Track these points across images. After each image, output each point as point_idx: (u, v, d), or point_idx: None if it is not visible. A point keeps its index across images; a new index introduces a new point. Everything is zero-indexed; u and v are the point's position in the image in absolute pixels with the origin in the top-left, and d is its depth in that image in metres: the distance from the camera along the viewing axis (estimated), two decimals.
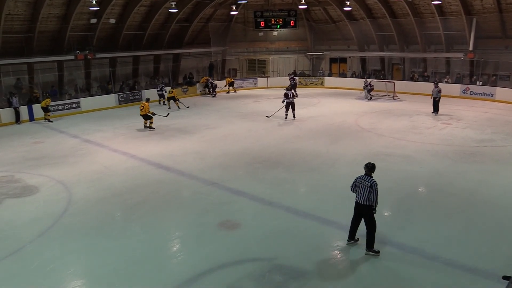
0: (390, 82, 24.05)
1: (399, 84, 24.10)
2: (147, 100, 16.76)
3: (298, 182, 10.37)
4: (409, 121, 17.04)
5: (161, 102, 22.59)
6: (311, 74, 30.25)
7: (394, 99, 22.80)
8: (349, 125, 16.47)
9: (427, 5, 22.73)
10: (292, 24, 29.10)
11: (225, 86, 26.76)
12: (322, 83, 28.59)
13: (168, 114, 17.94)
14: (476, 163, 11.44)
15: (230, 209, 8.76)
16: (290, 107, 17.63)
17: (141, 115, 16.40)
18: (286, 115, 17.80)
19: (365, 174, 6.86)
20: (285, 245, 7.16)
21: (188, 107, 21.38)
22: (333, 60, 30.43)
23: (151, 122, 16.43)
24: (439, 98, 18.34)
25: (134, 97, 22.99)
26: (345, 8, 25.35)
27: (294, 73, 25.36)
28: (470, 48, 22.46)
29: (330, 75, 29.76)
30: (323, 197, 9.28)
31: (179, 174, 10.99)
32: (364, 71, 28.54)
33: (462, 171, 10.80)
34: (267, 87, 28.06)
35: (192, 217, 8.45)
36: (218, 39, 28.17)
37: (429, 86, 23.66)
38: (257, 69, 30.70)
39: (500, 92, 21.33)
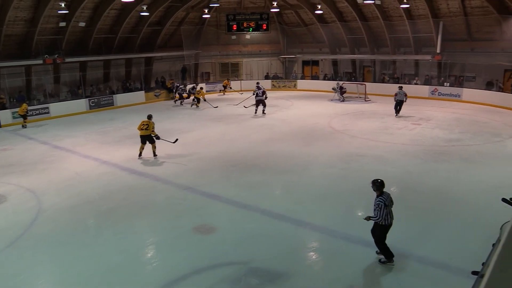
0: (362, 84, 24.49)
1: (370, 86, 24.56)
2: (150, 117, 12.73)
3: (273, 184, 10.42)
4: (381, 122, 17.37)
5: (176, 101, 23.40)
6: (284, 77, 30.48)
7: (365, 101, 23.20)
8: (322, 127, 16.66)
9: (396, 8, 23.26)
10: (264, 27, 29.25)
11: (224, 89, 27.07)
12: (295, 85, 28.84)
13: (177, 139, 13.74)
14: (445, 162, 11.75)
15: (205, 213, 8.72)
16: (260, 104, 19.30)
17: (142, 135, 12.52)
18: (256, 110, 19.56)
19: (381, 193, 6.49)
20: (261, 247, 7.18)
21: (216, 107, 22.02)
22: (305, 63, 30.75)
23: (155, 147, 12.80)
24: (400, 101, 18.43)
25: (106, 102, 22.61)
26: (316, 12, 25.69)
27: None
28: (438, 51, 23.12)
29: (302, 77, 30.05)
30: (298, 199, 9.35)
31: (153, 179, 10.87)
32: (336, 74, 28.94)
33: (432, 170, 11.09)
34: (241, 91, 28.09)
35: (166, 222, 8.37)
36: (190, 42, 28.03)
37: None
38: (230, 72, 30.71)
39: (467, 92, 22.02)
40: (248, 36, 30.10)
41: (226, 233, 7.79)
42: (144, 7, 21.71)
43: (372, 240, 6.65)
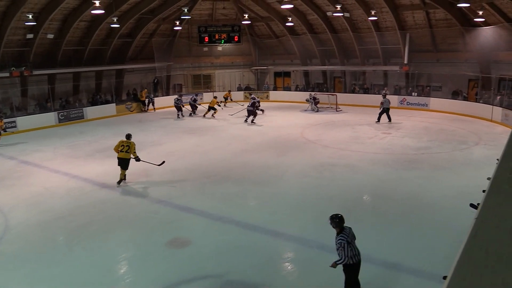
0: (333, 94, 24.87)
1: (341, 96, 24.95)
2: (130, 137, 11.26)
3: (248, 195, 10.38)
4: (352, 132, 17.64)
5: (179, 115, 22.64)
6: (257, 88, 30.63)
7: (336, 111, 23.55)
8: (296, 137, 16.78)
9: (364, 21, 23.82)
10: (236, 39, 29.40)
11: (222, 102, 26.16)
12: (267, 97, 29.01)
13: (163, 162, 12.04)
14: (415, 170, 12.00)
15: (179, 226, 8.58)
16: (250, 114, 20.21)
17: (120, 158, 11.01)
18: (246, 119, 20.44)
19: (342, 230, 5.75)
20: (237, 259, 7.11)
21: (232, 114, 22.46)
22: (277, 74, 31.03)
23: (121, 176, 11.19)
24: (387, 108, 19.27)
25: (75, 115, 22.12)
26: (287, 24, 26.03)
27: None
28: (405, 61, 23.77)
29: (275, 88, 30.30)
30: (273, 209, 9.33)
31: (125, 193, 10.65)
32: (307, 85, 29.30)
33: (402, 178, 11.29)
34: (217, 103, 27.97)
35: (139, 237, 8.19)
36: (162, 54, 27.87)
37: (369, 98, 24.82)
38: (202, 84, 30.65)
39: (434, 102, 22.68)
40: (220, 48, 30.19)
41: (201, 246, 7.68)
42: (115, 19, 21.47)
43: None
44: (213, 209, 9.35)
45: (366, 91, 26.13)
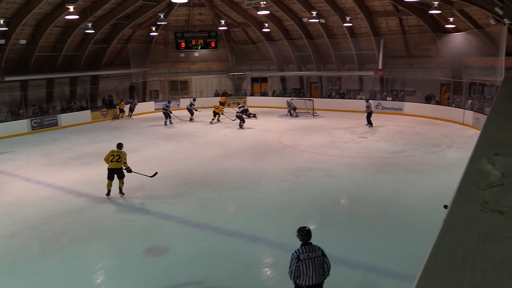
0: (309, 100, 25.10)
1: (318, 102, 25.21)
2: (121, 146, 10.77)
3: (226, 201, 10.36)
4: (329, 136, 17.84)
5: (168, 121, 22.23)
6: (234, 94, 30.66)
7: (313, 116, 23.77)
8: (273, 143, 16.85)
9: (340, 27, 24.17)
10: (212, 45, 29.38)
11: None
12: (245, 102, 29.04)
13: (156, 173, 11.56)
14: (390, 173, 12.22)
15: (157, 234, 8.49)
16: (237, 118, 20.53)
17: (110, 169, 10.39)
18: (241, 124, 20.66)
19: (303, 245, 5.15)
20: (215, 266, 7.08)
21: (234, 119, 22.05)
22: (254, 80, 31.14)
23: (122, 183, 10.59)
24: (370, 113, 19.82)
25: (49, 122, 21.67)
26: (263, 30, 26.21)
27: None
28: (380, 67, 24.22)
29: (252, 94, 30.39)
30: (251, 215, 9.34)
31: (101, 201, 10.48)
32: (284, 90, 29.50)
33: (378, 181, 11.47)
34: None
35: (117, 245, 8.06)
36: (138, 60, 27.61)
37: (345, 103, 25.18)
38: (179, 90, 30.49)
39: (408, 106, 23.16)
40: (196, 54, 30.12)
41: (179, 253, 7.62)
42: (89, 25, 21.19)
43: (326, 251, 6.72)
44: (191, 216, 9.29)
45: (342, 96, 26.50)
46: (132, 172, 10.60)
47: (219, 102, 24.73)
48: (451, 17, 19.27)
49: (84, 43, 23.93)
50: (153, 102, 27.64)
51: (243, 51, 30.16)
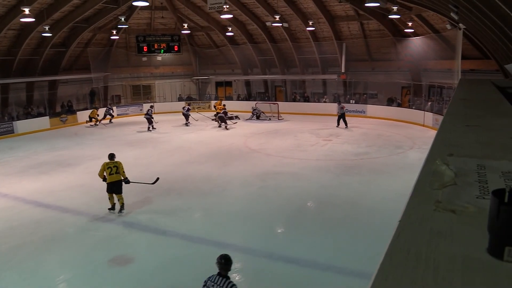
0: (274, 103, 25.28)
1: (283, 105, 25.46)
2: (113, 156, 10.09)
3: (192, 208, 10.28)
4: (294, 140, 18.04)
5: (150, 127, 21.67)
6: (198, 98, 30.51)
7: (279, 119, 23.96)
8: (239, 147, 16.88)
9: (303, 31, 24.54)
10: (176, 49, 29.19)
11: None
12: (209, 107, 28.96)
13: (158, 179, 10.82)
14: (355, 175, 12.49)
15: (122, 243, 8.32)
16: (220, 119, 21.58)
17: (111, 182, 9.73)
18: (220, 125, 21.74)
19: (218, 274, 4.68)
20: (182, 273, 7.01)
21: (236, 122, 22.89)
22: (219, 84, 31.12)
23: (121, 201, 9.86)
24: (342, 114, 20.34)
25: (4, 129, 20.84)
26: (227, 34, 26.25)
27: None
28: (343, 70, 24.75)
29: (216, 98, 30.29)
30: (218, 221, 9.31)
31: (62, 211, 10.16)
32: (249, 94, 29.61)
33: (344, 183, 11.71)
34: (154, 113, 27.52)
35: (79, 256, 7.84)
36: (98, 64, 27.04)
37: (309, 106, 25.54)
38: (142, 94, 30.05)
39: (371, 109, 23.75)
40: (159, 58, 29.81)
41: (145, 262, 7.50)
42: (46, 28, 20.56)
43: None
44: (157, 223, 9.17)
45: (306, 99, 26.86)
46: (131, 182, 10.08)
47: (214, 106, 24.86)
48: (409, 21, 19.98)
49: (41, 47, 23.19)
50: (114, 107, 27.07)
51: (206, 55, 30.11)
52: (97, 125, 23.59)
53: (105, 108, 25.02)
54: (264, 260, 7.43)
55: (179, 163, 14.57)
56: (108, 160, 9.99)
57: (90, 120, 23.79)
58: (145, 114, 22.00)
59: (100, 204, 10.54)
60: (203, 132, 20.77)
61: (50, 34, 21.41)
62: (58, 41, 23.75)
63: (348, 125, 20.42)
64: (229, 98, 29.90)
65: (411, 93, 23.13)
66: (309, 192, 11.09)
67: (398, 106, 23.29)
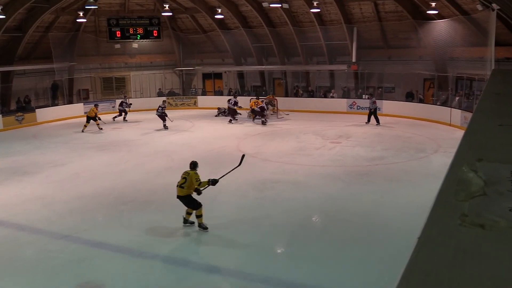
0: (273, 99, 25.28)
1: (283, 101, 25.49)
2: (195, 165, 10.14)
3: (174, 223, 10.23)
4: (297, 142, 18.06)
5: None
6: (182, 93, 30.52)
7: (278, 118, 23.98)
8: (231, 151, 16.87)
9: (306, 13, 24.61)
10: (155, 34, 29.20)
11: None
12: (195, 103, 28.98)
13: (243, 156, 11.02)
14: (368, 184, 12.52)
15: (90, 266, 8.29)
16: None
17: (177, 196, 9.69)
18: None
19: None
20: None
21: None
22: (206, 76, 31.16)
23: (199, 214, 9.67)
24: (374, 109, 20.67)
25: None
26: (216, 16, 26.27)
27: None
28: (353, 60, 24.79)
29: (204, 93, 30.36)
30: (206, 239, 9.30)
31: (18, 229, 10.11)
32: (242, 88, 29.66)
33: (355, 193, 11.73)
34: (129, 110, 27.51)
35: (40, 282, 7.80)
36: (62, 52, 26.96)
37: (314, 102, 25.59)
38: (114, 89, 30.01)
39: (387, 105, 23.78)
40: (135, 45, 29.78)
41: None
42: None
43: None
44: (132, 243, 9.13)
45: (311, 94, 26.92)
46: (218, 181, 9.96)
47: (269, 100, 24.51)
48: (433, 1, 20.02)
49: None
50: (82, 104, 27.02)
51: (192, 41, 30.13)
52: (102, 129, 21.89)
53: (120, 101, 24.57)
54: (261, 286, 7.42)
55: (159, 169, 14.54)
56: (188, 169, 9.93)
57: (88, 121, 21.75)
58: (158, 112, 21.83)
59: (64, 219, 10.51)
60: (187, 133, 20.74)
61: (3, 16, 21.33)
62: (13, 24, 23.67)
63: (379, 122, 20.95)
64: (219, 92, 29.90)
65: (435, 87, 23.22)
66: (313, 205, 11.10)
67: (419, 102, 23.39)
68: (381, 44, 24.68)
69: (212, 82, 30.90)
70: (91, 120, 21.67)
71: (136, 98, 28.83)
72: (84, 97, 29.02)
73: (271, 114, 24.30)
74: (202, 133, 20.57)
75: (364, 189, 12.14)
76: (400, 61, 24.01)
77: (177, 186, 9.67)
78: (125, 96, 24.91)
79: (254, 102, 23.22)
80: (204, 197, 11.81)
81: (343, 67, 25.47)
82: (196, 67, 30.61)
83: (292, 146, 17.39)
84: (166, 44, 30.36)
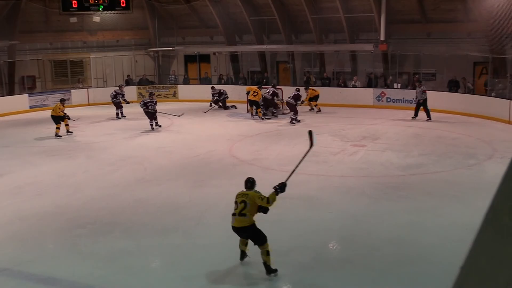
0: (277, 89, 25.19)
1: (289, 91, 25.40)
2: (252, 183, 9.95)
3: (147, 252, 10.18)
4: (307, 145, 17.97)
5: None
6: (158, 82, 30.48)
7: (283, 113, 23.90)
8: (221, 157, 16.81)
9: None
10: (122, 4, 29.20)
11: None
12: (175, 94, 28.97)
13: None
14: (403, 200, 12.45)
15: None
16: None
17: (234, 227, 9.33)
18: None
19: None
20: None
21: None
22: (189, 59, 31.18)
23: (265, 257, 9.11)
24: (424, 100, 20.94)
25: None
26: None
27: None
28: (382, 38, 24.71)
29: (186, 81, 30.32)
30: (189, 273, 9.22)
31: None
32: (236, 74, 29.59)
33: (385, 213, 11.64)
34: (88, 104, 27.51)
35: None
36: None
37: (331, 92, 25.53)
38: (69, 76, 29.96)
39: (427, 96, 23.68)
40: (97, 19, 29.72)
41: None
42: None
43: None
44: (91, 277, 9.08)
45: (326, 82, 26.85)
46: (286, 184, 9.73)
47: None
48: None
49: None
50: (26, 95, 26.95)
51: (171, 14, 30.15)
52: (71, 132, 21.20)
53: (114, 93, 24.39)
54: None
55: (127, 182, 14.49)
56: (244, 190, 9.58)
57: (58, 122, 21.04)
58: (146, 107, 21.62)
59: (1, 248, 10.44)
60: (163, 134, 20.67)
61: None
62: None
63: (431, 116, 21.23)
64: (206, 80, 29.78)
65: (489, 73, 23.18)
66: (331, 227, 11.02)
67: (468, 93, 23.32)
68: (418, 18, 24.64)
69: (197, 67, 30.84)
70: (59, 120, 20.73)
71: (98, 88, 28.81)
72: (29, 86, 28.99)
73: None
74: (184, 134, 20.51)
75: (396, 207, 12.06)
76: (442, 39, 24.00)
77: (233, 215, 9.21)
78: (120, 86, 24.71)
79: (253, 92, 22.98)
80: (183, 217, 11.80)
81: (369, 47, 25.42)
82: (176, 47, 30.56)
83: (301, 151, 17.14)
84: (137, 18, 30.34)
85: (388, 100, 24.62)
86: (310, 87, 24.98)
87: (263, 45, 28.48)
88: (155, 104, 21.42)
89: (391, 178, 14.14)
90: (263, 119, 22.66)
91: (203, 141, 19.16)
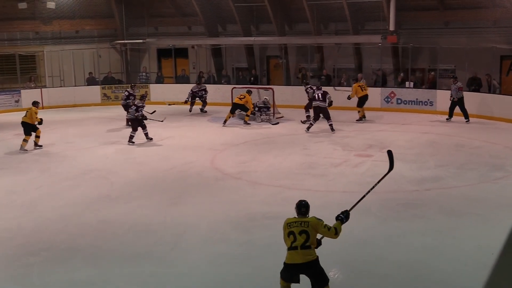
0: (267, 89, 25.20)
1: (281, 91, 25.44)
2: (307, 209, 9.42)
3: (113, 283, 10.18)
4: (304, 155, 18.02)
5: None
6: (125, 80, 30.45)
7: (275, 118, 23.91)
8: (201, 169, 16.83)
9: None
10: None
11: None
12: (146, 94, 28.88)
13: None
14: (417, 220, 12.50)
15: None
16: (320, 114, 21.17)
17: (290, 266, 8.63)
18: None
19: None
20: None
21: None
22: (163, 54, 31.19)
23: None
24: (460, 99, 21.47)
25: None
26: None
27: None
28: (391, 28, 24.77)
29: (160, 80, 30.29)
30: None
31: None
32: (219, 72, 29.62)
33: (395, 235, 11.69)
34: (42, 107, 27.42)
35: None
36: None
37: (330, 92, 25.52)
38: (19, 73, 29.86)
39: (443, 97, 23.73)
40: (52, 4, 29.61)
41: None
42: None
43: None
44: None
45: (326, 81, 26.88)
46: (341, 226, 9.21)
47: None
48: None
49: None
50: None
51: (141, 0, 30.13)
52: (41, 146, 20.36)
53: (127, 94, 24.48)
54: None
55: (90, 199, 14.46)
56: (296, 216, 9.09)
57: (28, 133, 20.08)
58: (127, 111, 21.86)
59: None
60: (135, 141, 20.66)
61: None
62: None
63: (469, 118, 21.56)
64: (183, 79, 29.75)
65: None
66: (332, 252, 11.01)
67: (493, 92, 23.42)
68: (434, 4, 24.78)
69: (172, 63, 30.82)
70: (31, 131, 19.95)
71: (54, 87, 28.77)
72: None
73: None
74: (159, 143, 20.49)
75: (408, 228, 12.11)
76: (463, 29, 24.11)
77: (293, 248, 8.48)
78: (133, 85, 24.48)
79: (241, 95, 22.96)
80: (156, 244, 11.77)
81: (376, 38, 25.49)
82: (148, 40, 30.57)
83: (297, 162, 17.34)
84: (100, 4, 30.38)
85: (399, 101, 24.67)
86: (356, 83, 23.72)
87: (250, 37, 28.47)
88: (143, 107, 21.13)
89: (403, 194, 14.19)
90: (248, 123, 22.89)
91: (180, 150, 19.18)
